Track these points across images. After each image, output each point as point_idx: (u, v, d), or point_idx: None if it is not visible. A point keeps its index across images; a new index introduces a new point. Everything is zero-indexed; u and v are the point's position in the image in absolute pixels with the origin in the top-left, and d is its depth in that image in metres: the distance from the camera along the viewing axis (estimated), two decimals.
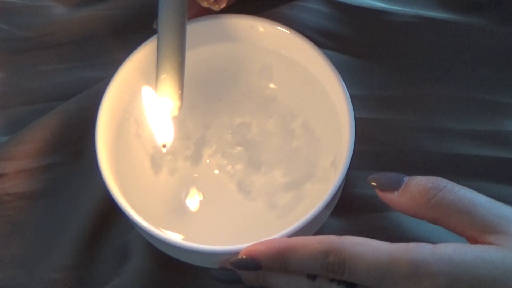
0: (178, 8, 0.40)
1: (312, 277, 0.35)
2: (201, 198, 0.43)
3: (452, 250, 0.32)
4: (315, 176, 0.42)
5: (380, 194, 0.36)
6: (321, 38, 0.48)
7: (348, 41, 0.48)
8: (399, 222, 0.42)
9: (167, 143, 0.41)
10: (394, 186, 0.36)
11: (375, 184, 0.36)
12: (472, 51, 0.48)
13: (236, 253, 0.37)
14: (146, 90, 0.40)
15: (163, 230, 0.39)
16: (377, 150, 0.45)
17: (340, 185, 0.39)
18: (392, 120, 0.46)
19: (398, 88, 0.47)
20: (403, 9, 0.48)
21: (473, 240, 0.34)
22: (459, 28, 0.48)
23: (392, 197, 0.36)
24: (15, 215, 0.45)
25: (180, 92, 0.41)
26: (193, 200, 0.43)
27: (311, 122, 0.44)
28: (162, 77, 0.41)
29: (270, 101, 0.45)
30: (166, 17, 0.40)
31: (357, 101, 0.42)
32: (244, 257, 0.35)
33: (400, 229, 0.42)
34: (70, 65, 0.50)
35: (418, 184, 0.35)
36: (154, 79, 0.45)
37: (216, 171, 0.43)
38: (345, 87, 0.41)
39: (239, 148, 0.44)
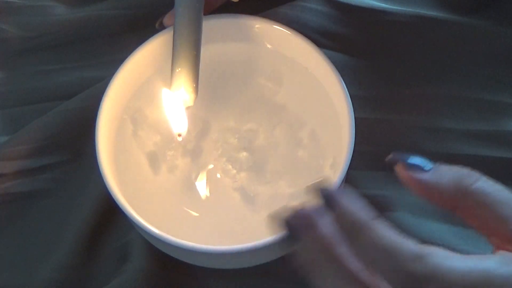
0: (194, 2, 0.41)
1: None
2: (207, 187, 0.43)
3: None
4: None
5: (405, 174, 0.33)
6: (321, 38, 0.48)
7: (348, 41, 0.48)
8: (399, 222, 0.42)
9: (182, 133, 0.42)
10: (423, 167, 0.33)
11: (399, 163, 0.33)
12: (472, 51, 0.48)
13: (236, 253, 0.36)
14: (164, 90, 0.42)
15: (163, 230, 0.39)
16: (377, 150, 0.45)
17: (340, 185, 0.39)
18: (392, 120, 0.46)
19: (398, 88, 0.47)
20: (403, 9, 0.48)
21: (497, 246, 0.31)
22: (459, 28, 0.48)
23: (419, 177, 0.32)
24: (15, 215, 0.45)
25: (194, 85, 0.42)
26: (203, 179, 0.43)
27: (317, 131, 0.44)
28: (177, 70, 0.41)
29: (278, 108, 0.45)
30: (182, 10, 0.41)
31: (357, 101, 0.42)
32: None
33: (400, 229, 0.42)
34: (70, 65, 0.51)
35: (453, 168, 0.32)
36: (154, 78, 0.45)
37: (219, 175, 0.43)
38: (345, 87, 0.41)
39: (244, 153, 0.44)
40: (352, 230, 0.29)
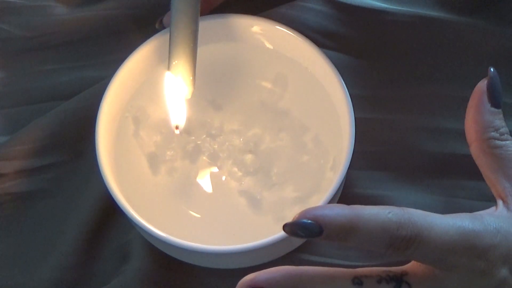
0: None
1: (359, 282, 0.33)
2: (210, 184, 0.43)
3: None
4: (322, 187, 0.42)
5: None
6: (321, 38, 0.48)
7: (348, 41, 0.48)
8: None
9: (179, 125, 0.42)
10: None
11: None
12: (472, 51, 0.48)
13: (236, 253, 0.36)
14: (166, 75, 0.42)
15: (163, 230, 0.39)
16: (377, 150, 0.45)
17: (340, 185, 0.39)
18: (392, 120, 0.46)
19: (398, 88, 0.47)
20: (403, 9, 0.48)
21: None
22: (459, 28, 0.48)
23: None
24: (15, 215, 0.45)
25: (191, 77, 0.41)
26: (205, 180, 0.43)
27: (320, 135, 0.44)
28: (174, 63, 0.41)
29: (281, 112, 0.45)
30: (178, 3, 0.40)
31: (357, 101, 0.42)
32: (309, 221, 0.31)
33: None
34: (70, 65, 0.51)
35: None
36: (154, 78, 0.45)
37: (224, 177, 0.43)
38: (345, 87, 0.41)
39: (250, 156, 0.44)
40: (349, 229, 0.31)
